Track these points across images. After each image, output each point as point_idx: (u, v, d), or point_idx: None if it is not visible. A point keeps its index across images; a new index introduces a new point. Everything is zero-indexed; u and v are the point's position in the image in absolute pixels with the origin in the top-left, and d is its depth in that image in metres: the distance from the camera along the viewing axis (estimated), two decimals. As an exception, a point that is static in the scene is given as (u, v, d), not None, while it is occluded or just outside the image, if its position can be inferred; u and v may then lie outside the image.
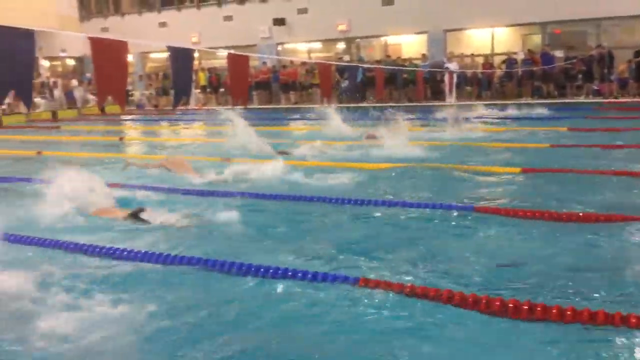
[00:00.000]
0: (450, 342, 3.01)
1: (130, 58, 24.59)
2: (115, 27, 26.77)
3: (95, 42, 4.97)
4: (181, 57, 6.37)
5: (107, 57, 4.96)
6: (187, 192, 6.52)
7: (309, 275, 3.79)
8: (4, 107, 22.30)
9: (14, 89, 4.69)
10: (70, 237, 4.79)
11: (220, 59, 25.88)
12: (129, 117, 21.49)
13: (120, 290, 3.73)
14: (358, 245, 4.56)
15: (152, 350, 3.04)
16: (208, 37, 24.65)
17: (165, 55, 27.25)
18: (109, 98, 4.96)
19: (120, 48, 5.09)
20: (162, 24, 26.34)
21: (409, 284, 3.52)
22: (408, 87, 20.72)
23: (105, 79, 5.07)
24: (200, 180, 6.88)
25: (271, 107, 21.70)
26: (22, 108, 21.23)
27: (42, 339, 3.10)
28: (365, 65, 18.65)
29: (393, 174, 7.42)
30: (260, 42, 24.35)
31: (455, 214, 5.28)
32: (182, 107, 22.76)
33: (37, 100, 21.94)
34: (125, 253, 4.32)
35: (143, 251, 4.34)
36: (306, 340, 3.11)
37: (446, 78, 19.91)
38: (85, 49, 27.88)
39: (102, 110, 23.15)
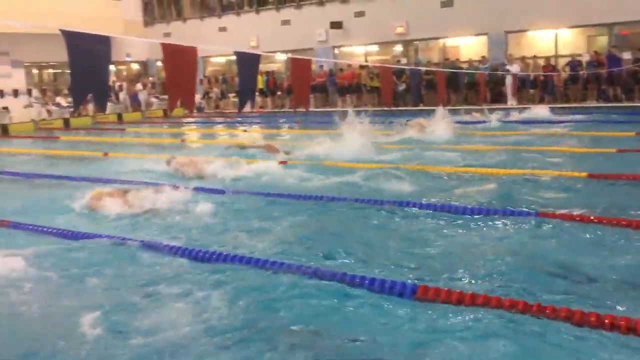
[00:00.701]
0: (519, 352, 2.96)
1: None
2: (177, 32, 27.54)
3: (167, 48, 5.16)
4: (247, 62, 6.52)
5: (178, 62, 5.15)
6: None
7: (366, 281, 3.76)
8: (71, 109, 23.36)
9: (92, 93, 4.93)
10: (139, 235, 5.00)
11: (277, 63, 26.27)
12: (190, 120, 22.05)
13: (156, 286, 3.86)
14: (418, 252, 4.52)
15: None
16: (266, 41, 25.03)
17: (224, 59, 27.90)
18: (178, 102, 5.15)
19: (190, 53, 5.27)
20: (222, 29, 26.91)
21: (469, 292, 3.48)
22: (468, 90, 20.40)
23: (176, 83, 5.26)
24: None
25: (328, 110, 21.81)
26: (89, 110, 22.18)
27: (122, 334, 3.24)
28: (427, 68, 18.44)
29: (455, 178, 7.34)
30: (317, 45, 24.53)
31: (519, 219, 5.18)
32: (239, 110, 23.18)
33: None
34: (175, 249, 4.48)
35: (196, 249, 4.49)
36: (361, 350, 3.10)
37: (507, 81, 19.50)
38: (149, 54, 28.86)
39: (165, 113, 23.94)
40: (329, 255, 4.48)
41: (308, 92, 8.73)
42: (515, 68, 19.43)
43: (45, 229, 5.37)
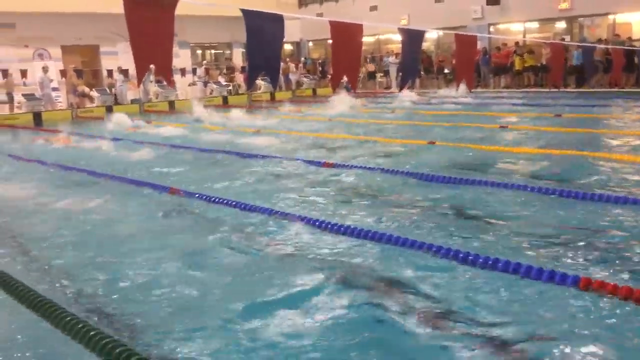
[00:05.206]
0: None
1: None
2: (329, 12, 27.90)
3: (335, 26, 5.23)
4: (411, 39, 6.41)
5: (344, 40, 5.19)
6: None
7: (522, 269, 3.61)
8: (229, 88, 24.77)
9: (266, 70, 5.15)
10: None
11: (427, 41, 25.67)
12: (337, 98, 22.30)
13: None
14: (579, 242, 4.25)
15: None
16: (417, 19, 24.51)
17: (373, 39, 27.84)
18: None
19: (356, 31, 5.29)
20: (373, 8, 26.84)
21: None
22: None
23: (341, 61, 5.31)
24: None
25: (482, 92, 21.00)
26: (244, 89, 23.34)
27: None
28: (608, 47, 16.94)
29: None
30: (471, 22, 23.60)
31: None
32: (385, 91, 23.10)
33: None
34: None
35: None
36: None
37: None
38: (302, 34, 29.68)
39: (314, 92, 24.59)
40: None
41: (472, 70, 8.38)
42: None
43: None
